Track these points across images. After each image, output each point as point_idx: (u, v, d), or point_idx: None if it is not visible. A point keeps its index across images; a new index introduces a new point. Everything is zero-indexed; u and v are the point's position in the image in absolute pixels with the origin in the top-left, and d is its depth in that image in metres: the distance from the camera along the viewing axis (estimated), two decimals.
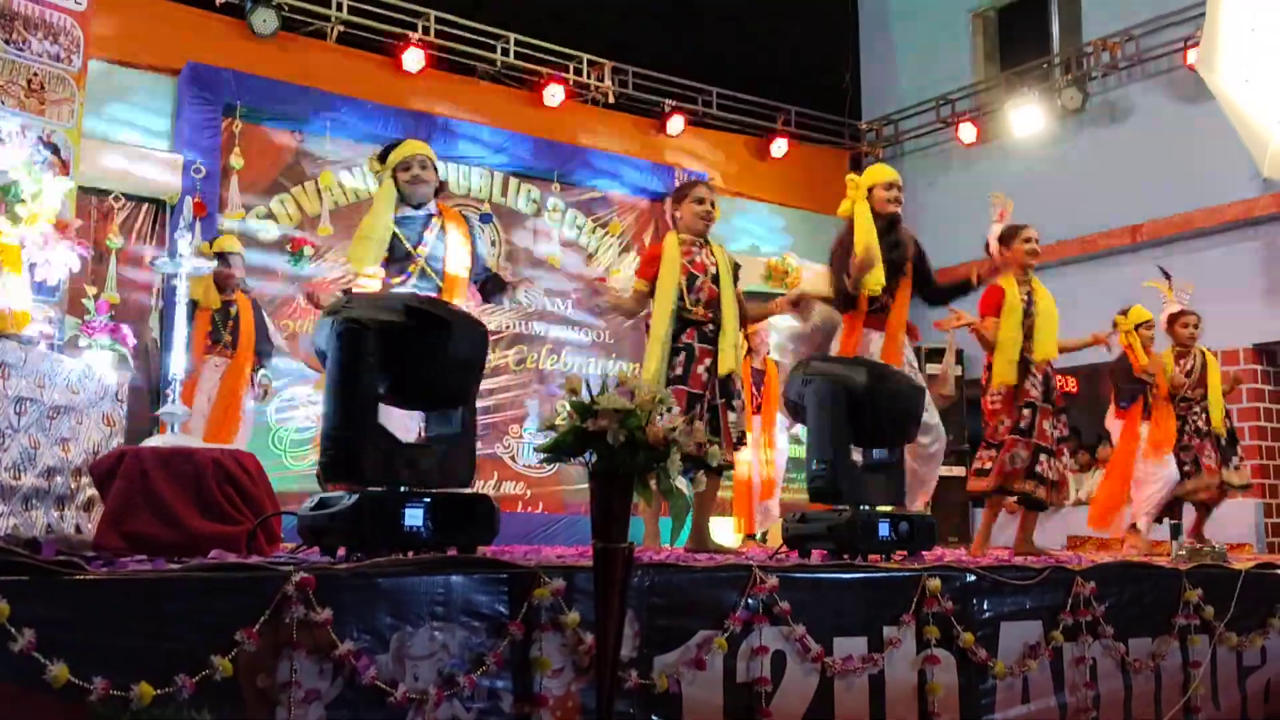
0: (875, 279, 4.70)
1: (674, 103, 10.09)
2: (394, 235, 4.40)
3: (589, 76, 9.67)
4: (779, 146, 10.70)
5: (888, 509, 3.83)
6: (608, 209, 9.38)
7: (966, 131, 10.70)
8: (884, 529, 3.68)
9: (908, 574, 3.39)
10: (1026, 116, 10.13)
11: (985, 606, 3.55)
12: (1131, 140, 9.60)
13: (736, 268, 4.88)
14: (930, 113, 11.22)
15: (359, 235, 4.47)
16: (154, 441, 3.28)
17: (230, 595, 2.33)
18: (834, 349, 4.86)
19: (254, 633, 2.28)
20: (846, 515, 3.68)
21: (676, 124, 10.00)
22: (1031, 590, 3.66)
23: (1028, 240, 5.40)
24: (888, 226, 4.88)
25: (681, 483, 2.62)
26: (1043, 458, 5.18)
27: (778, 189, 10.74)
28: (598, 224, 9.32)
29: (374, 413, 2.82)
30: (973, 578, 3.53)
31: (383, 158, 4.49)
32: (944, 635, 3.37)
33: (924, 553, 3.88)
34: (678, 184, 9.19)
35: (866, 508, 3.74)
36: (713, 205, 4.79)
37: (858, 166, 11.83)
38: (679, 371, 4.49)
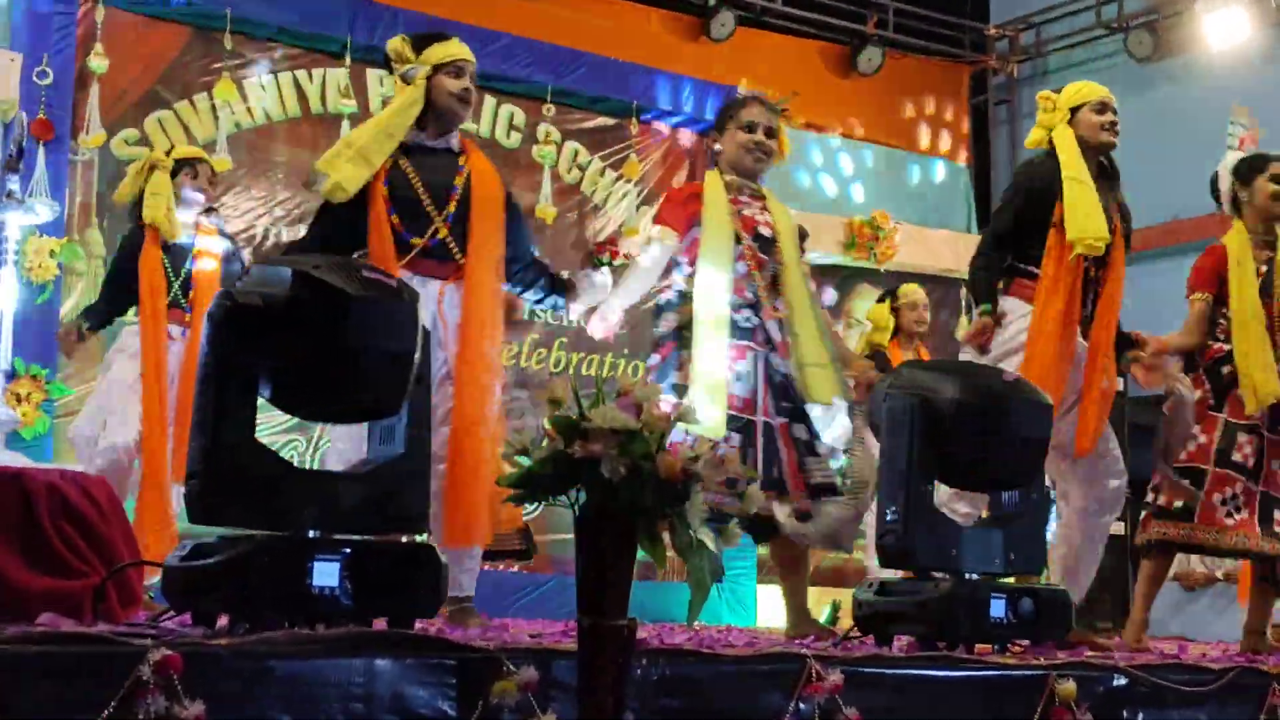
0: (1097, 230, 4.58)
1: None
2: (405, 175, 4.13)
3: None
4: (869, 58, 10.69)
5: (1006, 580, 3.82)
6: (623, 141, 9.39)
7: (1140, 43, 10.66)
8: (998, 608, 3.68)
9: (1029, 673, 3.39)
10: (1226, 24, 10.08)
11: None
12: None
13: (803, 237, 4.87)
14: (1089, 13, 11.18)
15: (348, 143, 4.16)
16: None
17: (62, 679, 2.35)
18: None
19: None
20: (945, 587, 3.68)
21: (725, 24, 10.01)
22: (1208, 701, 3.65)
23: (1277, 178, 5.20)
24: (1102, 168, 4.82)
25: (706, 535, 2.61)
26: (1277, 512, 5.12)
27: (866, 118, 10.71)
28: (608, 163, 9.33)
29: (250, 427, 2.88)
30: (1123, 680, 3.53)
31: (417, 48, 4.23)
32: None
33: (1054, 644, 3.88)
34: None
35: (974, 577, 3.74)
36: (769, 134, 4.76)
37: (982, 87, 11.82)
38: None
